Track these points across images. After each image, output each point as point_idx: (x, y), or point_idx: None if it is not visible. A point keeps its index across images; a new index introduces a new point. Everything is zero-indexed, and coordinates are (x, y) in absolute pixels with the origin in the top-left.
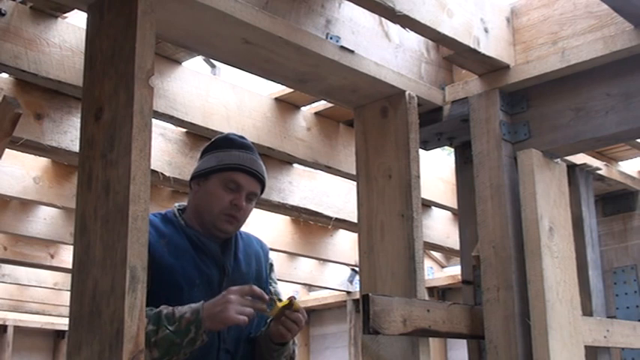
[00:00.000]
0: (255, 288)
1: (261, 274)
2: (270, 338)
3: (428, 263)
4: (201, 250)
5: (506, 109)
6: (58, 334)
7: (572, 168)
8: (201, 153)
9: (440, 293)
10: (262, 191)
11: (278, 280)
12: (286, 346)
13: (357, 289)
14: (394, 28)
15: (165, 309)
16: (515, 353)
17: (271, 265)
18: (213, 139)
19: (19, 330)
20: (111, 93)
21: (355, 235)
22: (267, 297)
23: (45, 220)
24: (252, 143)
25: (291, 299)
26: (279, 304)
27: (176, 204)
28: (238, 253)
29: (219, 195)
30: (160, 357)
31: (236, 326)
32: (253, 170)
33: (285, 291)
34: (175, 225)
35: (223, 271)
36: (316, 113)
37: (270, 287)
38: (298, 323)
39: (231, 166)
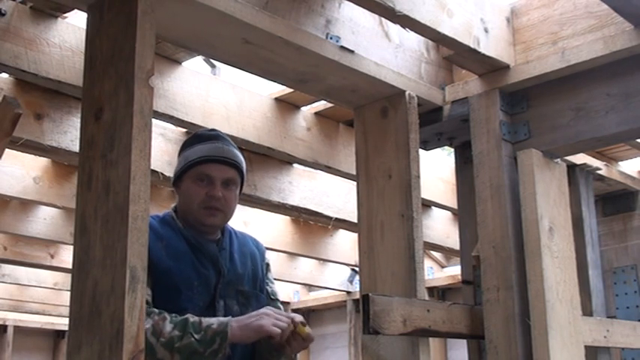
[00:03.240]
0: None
1: (257, 274)
2: (272, 345)
3: (428, 263)
4: (199, 251)
5: (506, 109)
6: (58, 334)
7: (572, 168)
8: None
9: (440, 293)
10: (242, 176)
11: (277, 279)
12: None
13: (357, 289)
14: (394, 28)
15: (191, 317)
16: (515, 353)
17: (267, 264)
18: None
19: (19, 330)
20: (111, 93)
21: (355, 235)
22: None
23: (45, 220)
24: (252, 143)
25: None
26: (304, 328)
27: (172, 205)
28: (234, 253)
29: (194, 190)
30: None
31: None
32: (220, 157)
33: (285, 291)
34: (173, 227)
35: (219, 272)
36: (316, 113)
37: (267, 287)
38: (301, 345)
39: (197, 160)
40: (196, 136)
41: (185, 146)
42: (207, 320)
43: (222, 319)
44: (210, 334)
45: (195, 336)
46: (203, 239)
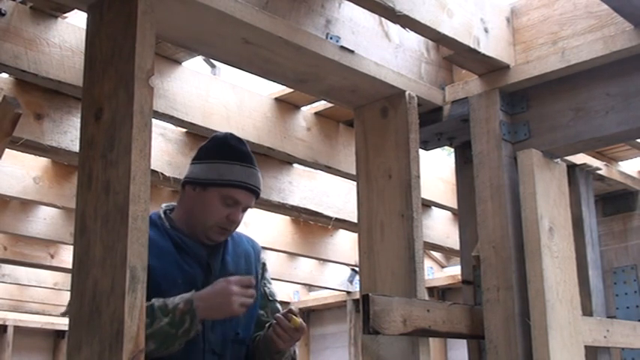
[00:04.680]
0: (253, 280)
1: (250, 273)
2: (271, 342)
3: (428, 263)
4: (185, 251)
5: (506, 109)
6: (58, 334)
7: (572, 168)
8: (197, 152)
9: (440, 293)
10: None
11: (277, 279)
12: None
13: (357, 289)
14: (394, 28)
15: (156, 301)
16: (515, 353)
17: (264, 264)
18: (212, 142)
19: (19, 330)
20: (111, 93)
21: (355, 235)
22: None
23: (45, 220)
24: (252, 143)
25: (291, 312)
26: (297, 319)
27: (163, 205)
28: (226, 255)
29: (216, 209)
30: (156, 349)
31: (221, 326)
32: (253, 187)
33: (284, 291)
34: (159, 227)
35: (209, 271)
36: (316, 113)
37: (265, 288)
38: (294, 337)
39: (233, 184)
40: (231, 150)
41: (217, 155)
42: (171, 301)
43: (185, 296)
44: (179, 315)
45: (165, 319)
46: (190, 241)
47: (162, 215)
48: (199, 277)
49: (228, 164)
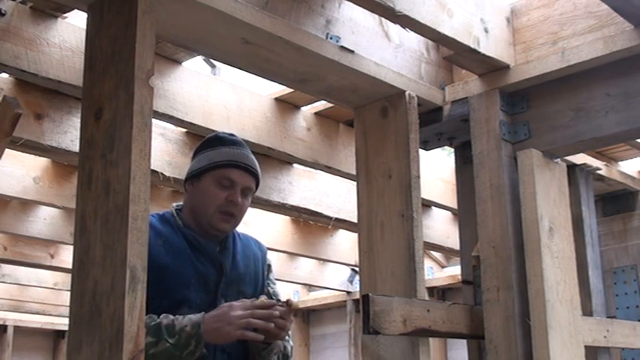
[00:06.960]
0: (258, 302)
1: (258, 275)
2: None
3: (428, 263)
4: (198, 250)
5: (506, 109)
6: (58, 334)
7: (572, 168)
8: (193, 154)
9: (440, 293)
10: (257, 186)
11: (278, 280)
12: (274, 343)
13: (357, 289)
14: (394, 28)
15: (165, 319)
16: (515, 353)
17: (269, 266)
18: (203, 139)
19: (19, 330)
20: (111, 93)
21: (355, 235)
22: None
23: (45, 220)
24: (252, 143)
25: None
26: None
27: (174, 204)
28: (237, 254)
29: (214, 193)
30: None
31: None
32: (245, 165)
33: (285, 291)
34: (173, 225)
35: (221, 271)
36: (316, 113)
37: (269, 288)
38: (283, 317)
39: (223, 163)
40: (218, 138)
41: (206, 146)
42: (180, 322)
43: (194, 318)
44: (185, 337)
45: (170, 340)
46: (203, 239)
47: (175, 214)
48: (212, 277)
49: (216, 149)
